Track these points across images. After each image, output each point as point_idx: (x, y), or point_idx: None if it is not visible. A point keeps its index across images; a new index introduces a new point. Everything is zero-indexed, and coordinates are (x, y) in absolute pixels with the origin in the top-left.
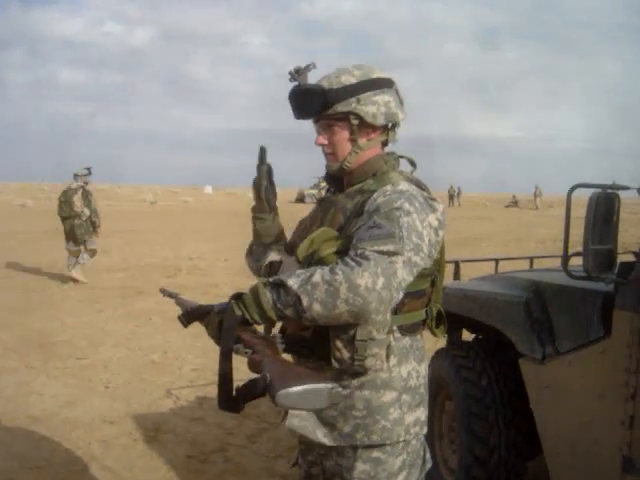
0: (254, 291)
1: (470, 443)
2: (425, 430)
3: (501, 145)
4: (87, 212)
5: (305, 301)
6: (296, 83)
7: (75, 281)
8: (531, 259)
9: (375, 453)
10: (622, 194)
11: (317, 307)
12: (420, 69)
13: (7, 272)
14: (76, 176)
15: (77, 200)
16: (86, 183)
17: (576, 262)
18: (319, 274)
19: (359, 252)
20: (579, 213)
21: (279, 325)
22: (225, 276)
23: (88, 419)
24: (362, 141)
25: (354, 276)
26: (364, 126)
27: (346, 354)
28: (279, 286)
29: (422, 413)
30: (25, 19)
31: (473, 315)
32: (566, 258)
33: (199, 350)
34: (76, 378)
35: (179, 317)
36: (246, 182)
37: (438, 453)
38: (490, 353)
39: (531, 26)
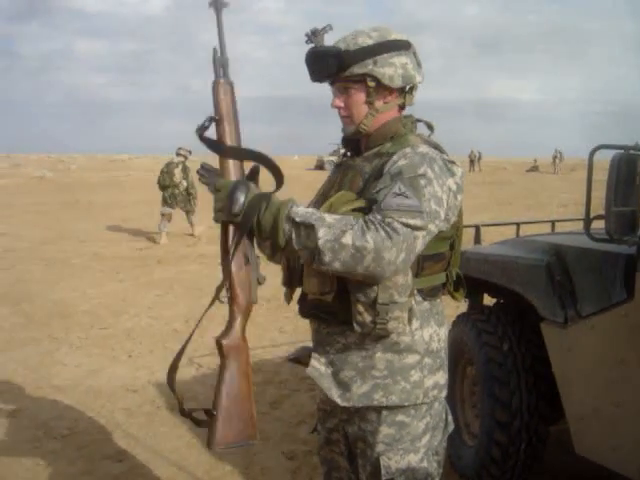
0: (275, 217)
1: (492, 408)
2: (444, 394)
3: (523, 108)
4: (185, 184)
5: (328, 258)
6: (312, 45)
7: (158, 241)
8: (553, 223)
9: (399, 417)
10: None
11: (337, 265)
12: (439, 32)
13: (28, 244)
14: (180, 149)
15: (177, 173)
16: (186, 158)
17: (598, 225)
18: (350, 236)
19: (387, 221)
20: (602, 176)
21: (299, 292)
22: None
23: (111, 388)
24: (379, 104)
25: (383, 248)
26: (381, 88)
27: (368, 318)
28: (307, 227)
29: (441, 377)
30: None
31: (494, 279)
32: (588, 221)
33: (220, 318)
34: (99, 348)
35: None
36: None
37: (460, 418)
38: (511, 317)
39: None
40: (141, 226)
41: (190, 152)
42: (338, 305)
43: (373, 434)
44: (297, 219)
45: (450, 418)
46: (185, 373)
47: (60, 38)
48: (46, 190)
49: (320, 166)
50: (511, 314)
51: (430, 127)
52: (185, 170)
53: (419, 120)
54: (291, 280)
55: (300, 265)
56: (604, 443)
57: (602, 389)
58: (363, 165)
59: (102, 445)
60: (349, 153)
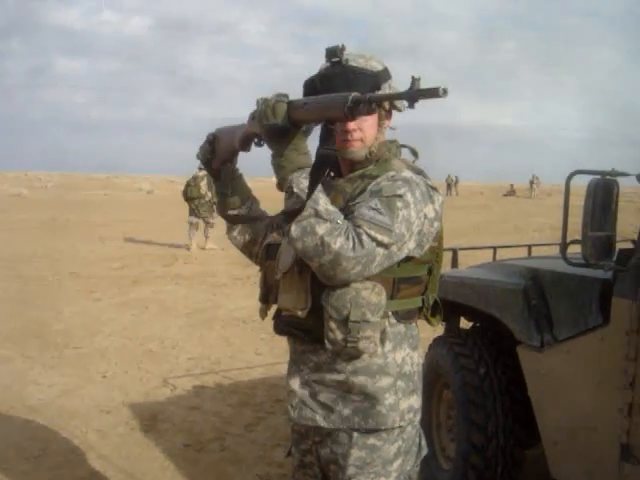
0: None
1: (468, 431)
2: (418, 417)
3: (499, 134)
4: (209, 195)
5: (295, 234)
6: (329, 64)
7: (189, 248)
8: (529, 247)
9: (371, 440)
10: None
11: (299, 245)
12: (418, 57)
13: (3, 262)
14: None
15: (203, 185)
16: None
17: (575, 250)
18: (325, 229)
19: (358, 231)
20: (578, 202)
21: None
22: (222, 265)
23: (85, 408)
24: (384, 127)
25: (343, 257)
26: (389, 112)
27: (339, 335)
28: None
29: (415, 401)
30: (22, 8)
31: (471, 303)
32: (564, 245)
33: (196, 339)
34: (73, 367)
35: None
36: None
37: (436, 441)
38: (488, 341)
39: (530, 15)
40: (118, 245)
41: None
42: (312, 322)
43: (344, 457)
44: (295, 189)
45: (424, 442)
46: (160, 394)
47: (41, 56)
48: (23, 208)
49: None
50: (487, 338)
51: (415, 153)
52: (210, 182)
53: (404, 146)
54: (267, 296)
55: (276, 282)
56: (579, 467)
57: (578, 413)
58: (345, 186)
59: (75, 466)
60: (332, 174)
